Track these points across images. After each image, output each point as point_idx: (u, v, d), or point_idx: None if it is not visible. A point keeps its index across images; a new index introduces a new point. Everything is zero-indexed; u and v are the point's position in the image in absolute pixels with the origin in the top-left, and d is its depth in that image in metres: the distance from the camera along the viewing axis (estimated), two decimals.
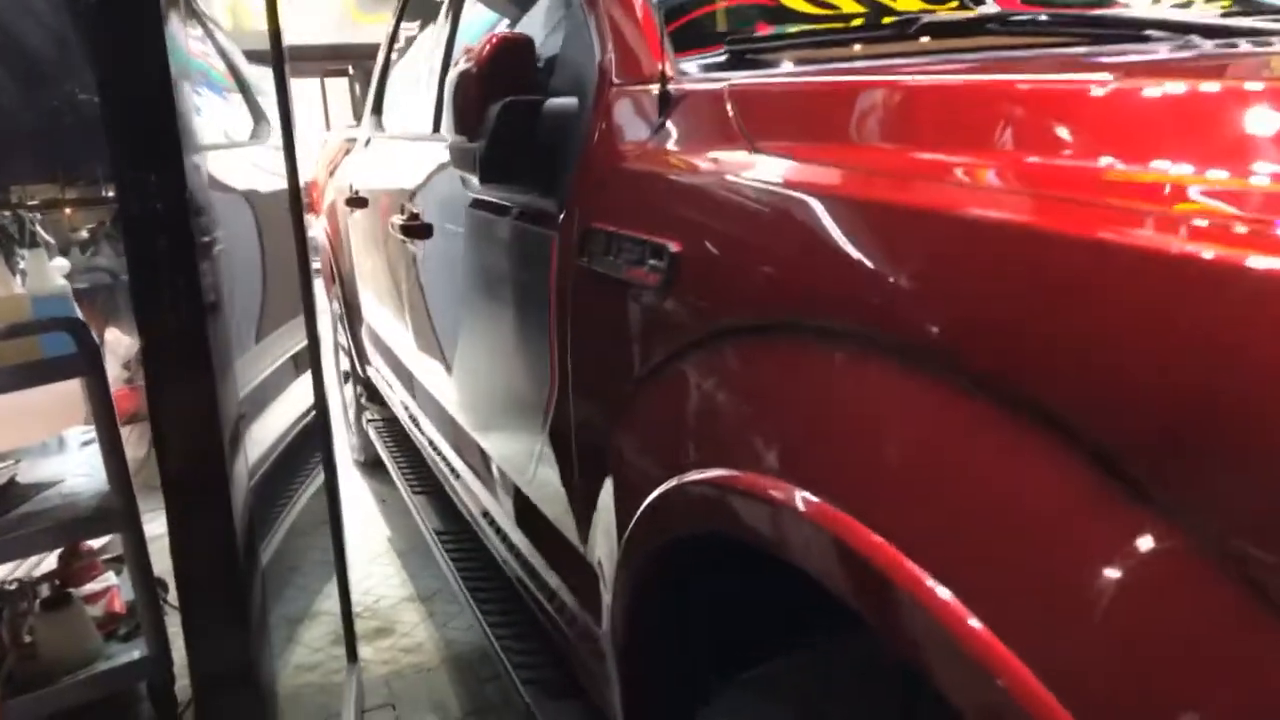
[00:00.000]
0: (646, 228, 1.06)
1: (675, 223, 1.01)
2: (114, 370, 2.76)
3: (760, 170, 0.90)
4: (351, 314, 3.53)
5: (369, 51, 9.67)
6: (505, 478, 1.75)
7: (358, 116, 11.33)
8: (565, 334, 1.29)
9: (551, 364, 1.34)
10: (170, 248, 1.44)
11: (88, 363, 1.73)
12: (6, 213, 2.13)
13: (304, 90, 11.55)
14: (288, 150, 1.97)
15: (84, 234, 2.82)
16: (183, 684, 1.88)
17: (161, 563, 1.88)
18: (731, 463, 0.86)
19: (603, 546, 1.21)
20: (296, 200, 2.09)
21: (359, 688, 2.26)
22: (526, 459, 1.54)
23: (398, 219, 2.11)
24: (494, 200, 1.59)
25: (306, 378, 2.21)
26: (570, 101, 1.33)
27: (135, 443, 2.50)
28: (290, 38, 1.92)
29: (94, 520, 1.80)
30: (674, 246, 0.98)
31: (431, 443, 2.42)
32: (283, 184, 1.97)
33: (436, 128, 2.19)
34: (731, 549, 0.87)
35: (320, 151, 4.21)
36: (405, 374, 2.60)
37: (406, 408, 2.70)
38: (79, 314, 2.12)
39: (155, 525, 1.80)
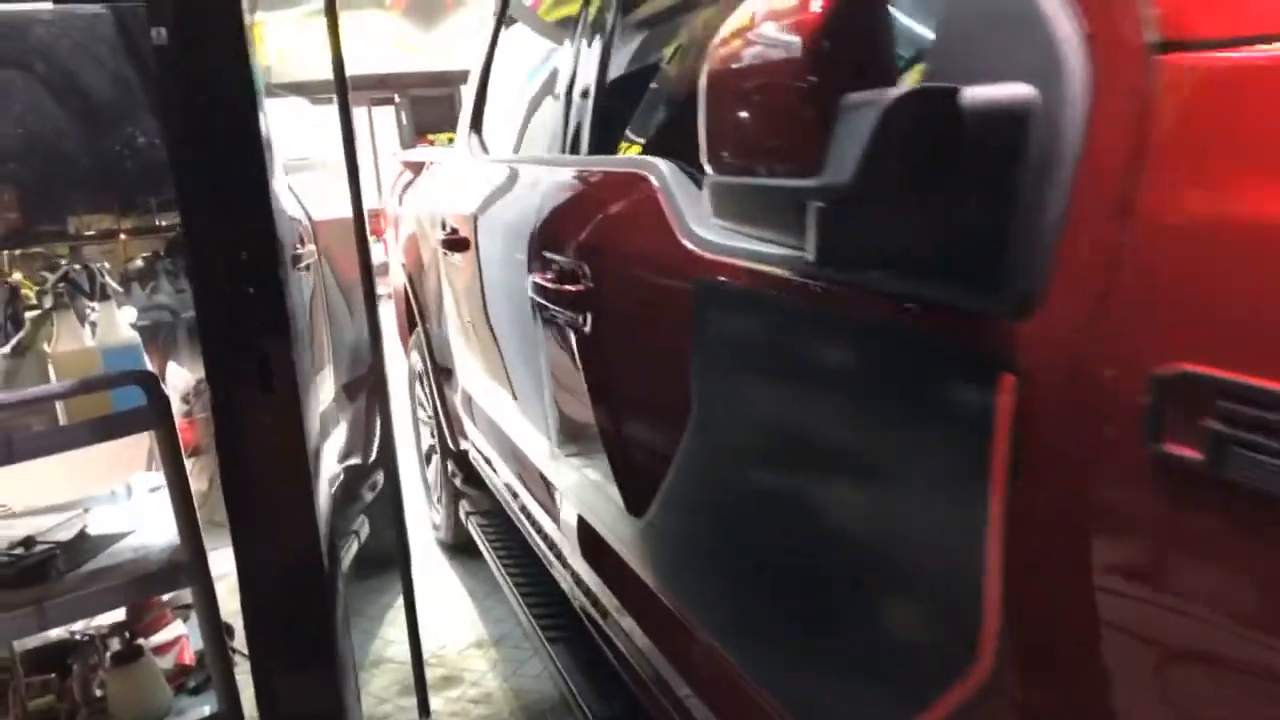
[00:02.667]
0: None
1: None
2: (174, 404, 2.76)
3: None
4: (439, 375, 3.01)
5: (414, 80, 9.73)
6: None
7: (404, 144, 11.47)
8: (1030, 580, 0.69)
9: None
10: (253, 276, 1.41)
11: (158, 415, 1.70)
12: (78, 266, 2.14)
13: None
14: (352, 179, 1.95)
15: (139, 262, 2.85)
16: None
17: (227, 604, 1.86)
18: None
19: None
20: (362, 230, 2.06)
21: None
22: None
23: (541, 279, 1.60)
24: (788, 277, 0.95)
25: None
26: (1010, 94, 0.69)
27: (196, 475, 2.49)
28: (364, 64, 1.90)
29: (165, 575, 1.77)
30: None
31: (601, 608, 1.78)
32: (341, 211, 1.97)
33: (573, 149, 1.80)
34: None
35: (389, 176, 3.87)
36: (538, 481, 2.05)
37: (548, 539, 2.09)
38: (149, 365, 2.11)
39: (217, 563, 1.78)
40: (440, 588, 3.03)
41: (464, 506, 2.92)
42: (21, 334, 2.00)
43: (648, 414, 1.42)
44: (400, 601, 2.30)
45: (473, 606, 2.88)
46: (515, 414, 2.14)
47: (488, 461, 2.57)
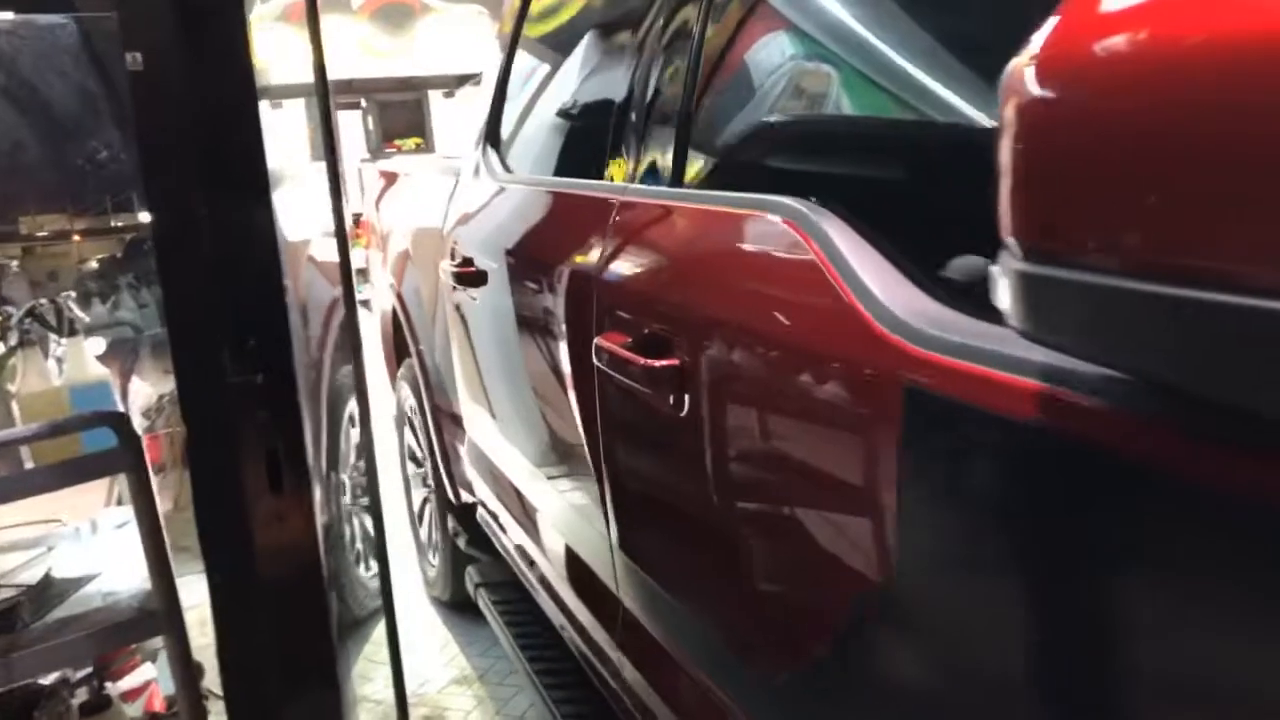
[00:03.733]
0: None
1: None
2: (136, 420, 2.67)
3: None
4: (439, 418, 2.61)
5: (382, 85, 9.59)
6: None
7: (370, 149, 11.32)
8: None
9: None
10: (262, 363, 1.37)
11: (130, 458, 1.61)
12: (45, 301, 2.03)
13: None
14: (333, 187, 1.86)
15: (94, 264, 2.75)
16: None
17: (195, 638, 1.77)
18: None
19: None
20: (344, 242, 1.95)
21: None
22: None
23: (612, 344, 1.27)
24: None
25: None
26: None
27: (161, 496, 2.40)
28: (306, 72, 1.82)
29: (137, 624, 1.68)
30: None
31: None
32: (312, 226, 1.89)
33: (647, 177, 1.45)
34: None
35: (367, 183, 3.53)
36: (588, 585, 1.68)
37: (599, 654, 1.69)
38: (120, 403, 2.02)
39: (185, 592, 1.70)
40: (421, 620, 2.89)
41: (471, 576, 2.52)
42: None
43: (789, 553, 1.03)
44: (377, 633, 2.21)
45: (454, 639, 2.75)
46: (554, 491, 1.78)
47: (502, 528, 2.21)
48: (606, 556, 1.54)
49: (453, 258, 2.13)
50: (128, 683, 2.05)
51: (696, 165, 1.34)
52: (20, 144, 2.70)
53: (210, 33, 1.33)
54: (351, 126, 11.83)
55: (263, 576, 1.51)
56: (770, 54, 1.26)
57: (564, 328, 1.55)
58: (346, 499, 2.67)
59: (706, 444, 1.14)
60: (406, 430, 3.09)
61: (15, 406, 1.79)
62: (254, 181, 1.40)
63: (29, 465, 1.79)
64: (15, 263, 2.71)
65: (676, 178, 1.35)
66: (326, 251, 2.45)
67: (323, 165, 1.80)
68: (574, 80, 1.94)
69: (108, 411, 1.66)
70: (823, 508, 0.95)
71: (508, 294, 1.83)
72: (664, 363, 1.17)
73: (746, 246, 1.12)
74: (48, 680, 1.98)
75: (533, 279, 1.71)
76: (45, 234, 2.78)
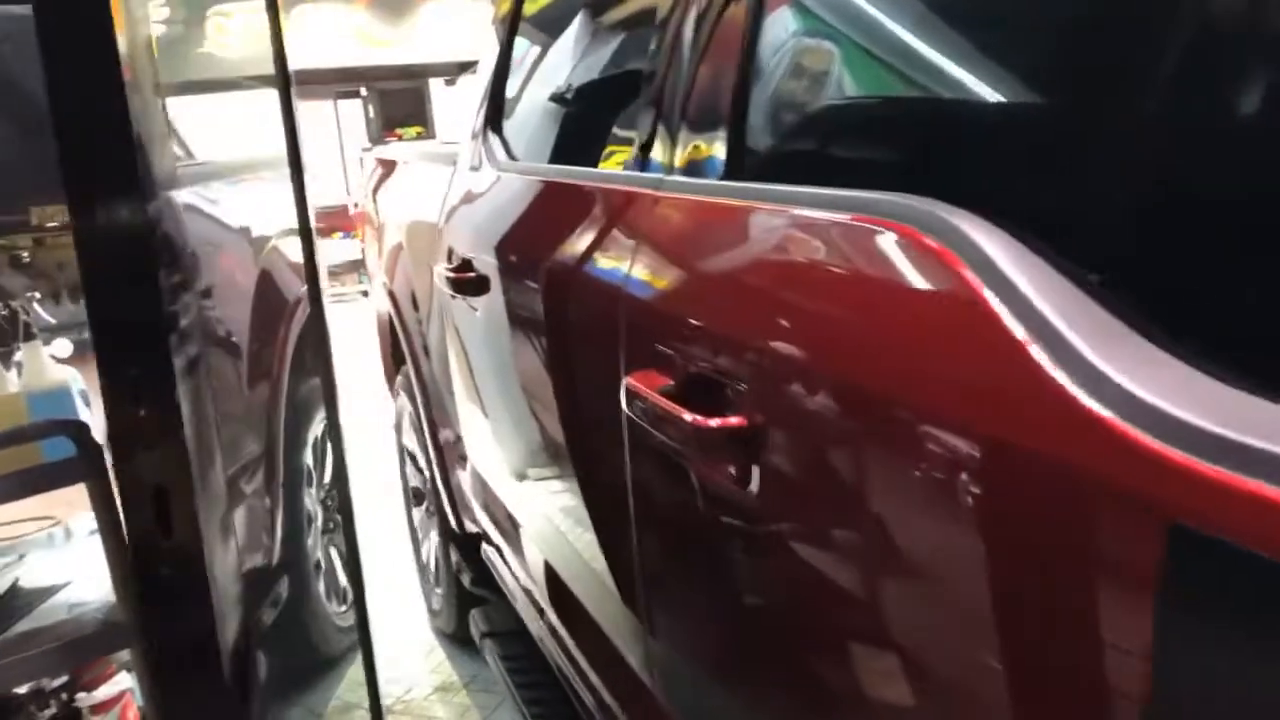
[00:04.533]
0: None
1: None
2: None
3: None
4: (438, 438, 2.34)
5: (382, 73, 9.52)
6: None
7: (371, 138, 11.22)
8: None
9: None
10: (131, 291, 1.22)
11: (90, 466, 1.56)
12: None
13: (318, 112, 11.44)
14: (296, 185, 1.76)
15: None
16: None
17: None
18: None
19: None
20: (309, 243, 1.85)
21: None
22: None
23: (645, 387, 0.97)
24: None
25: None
26: None
27: None
28: (302, 60, 1.78)
29: (102, 638, 1.63)
30: None
31: None
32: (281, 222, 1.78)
33: (690, 169, 1.11)
34: None
35: (366, 173, 3.26)
36: (618, 673, 1.35)
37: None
38: (81, 409, 1.96)
39: None
40: (406, 622, 2.79)
41: (477, 622, 2.20)
42: None
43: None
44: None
45: (439, 646, 2.65)
46: (573, 552, 1.48)
47: (511, 571, 1.91)
48: (639, 643, 1.24)
49: (449, 259, 1.83)
50: (103, 692, 2.00)
51: (760, 151, 1.02)
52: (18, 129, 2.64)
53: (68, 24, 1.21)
54: (352, 115, 11.76)
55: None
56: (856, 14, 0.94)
57: (582, 355, 1.25)
58: (316, 527, 2.43)
59: (790, 544, 0.82)
60: (407, 439, 2.82)
61: None
62: (123, 184, 1.23)
63: None
64: (26, 253, 2.66)
65: (734, 168, 1.01)
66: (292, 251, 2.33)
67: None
68: (593, 55, 1.64)
69: (65, 420, 1.60)
70: (983, 670, 0.62)
71: (512, 307, 1.54)
72: (723, 421, 0.84)
73: (848, 264, 0.79)
74: (23, 690, 1.94)
75: (542, 290, 1.40)
76: (55, 224, 2.73)
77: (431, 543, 2.68)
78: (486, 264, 1.65)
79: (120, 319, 1.28)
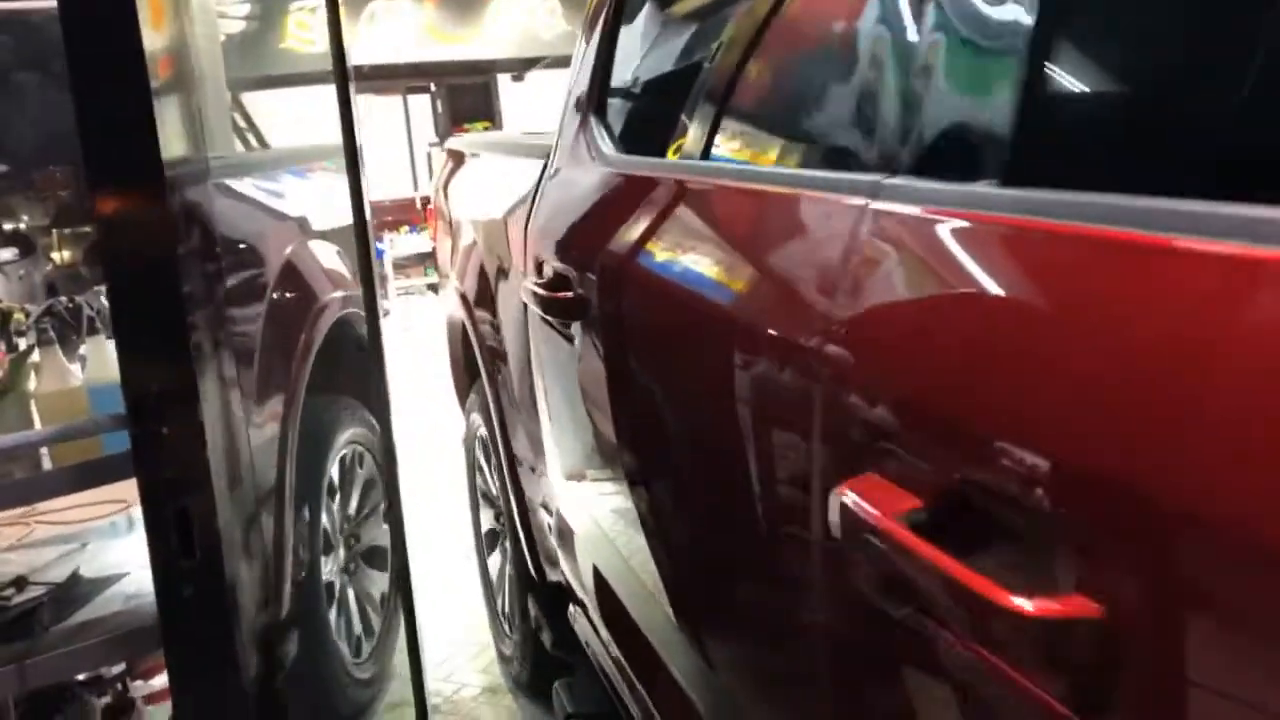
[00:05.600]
0: None
1: None
2: None
3: None
4: (516, 473, 2.03)
5: (450, 69, 9.54)
6: None
7: (439, 132, 11.28)
8: None
9: None
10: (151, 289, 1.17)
11: None
12: (64, 299, 2.00)
13: (389, 107, 11.56)
14: (353, 181, 1.73)
15: None
16: None
17: None
18: None
19: None
20: (365, 243, 1.81)
21: None
22: None
23: (876, 511, 0.60)
24: None
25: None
26: None
27: None
28: (373, 56, 1.77)
29: (155, 632, 1.63)
30: None
31: None
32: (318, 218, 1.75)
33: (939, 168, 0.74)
34: None
35: (436, 165, 3.03)
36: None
37: None
38: None
39: None
40: (461, 621, 2.72)
41: (561, 699, 1.81)
42: None
43: None
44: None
45: (492, 646, 2.54)
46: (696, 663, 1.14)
47: (611, 658, 1.54)
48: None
49: (538, 272, 1.52)
50: (159, 682, 2.02)
51: (1061, 143, 0.66)
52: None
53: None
54: (421, 111, 11.88)
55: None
56: None
57: (749, 435, 0.88)
58: (335, 566, 2.16)
59: None
60: (480, 460, 2.50)
61: (34, 407, 1.76)
62: (149, 179, 1.15)
63: (48, 466, 1.76)
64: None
65: (1017, 168, 0.65)
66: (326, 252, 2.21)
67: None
68: (745, 19, 1.22)
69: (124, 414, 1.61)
70: None
71: (626, 342, 1.21)
72: (1060, 609, 0.48)
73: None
74: (81, 677, 1.96)
75: (676, 332, 1.07)
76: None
77: (502, 577, 2.38)
78: (589, 283, 1.32)
79: (143, 333, 1.24)
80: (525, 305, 1.65)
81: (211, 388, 1.37)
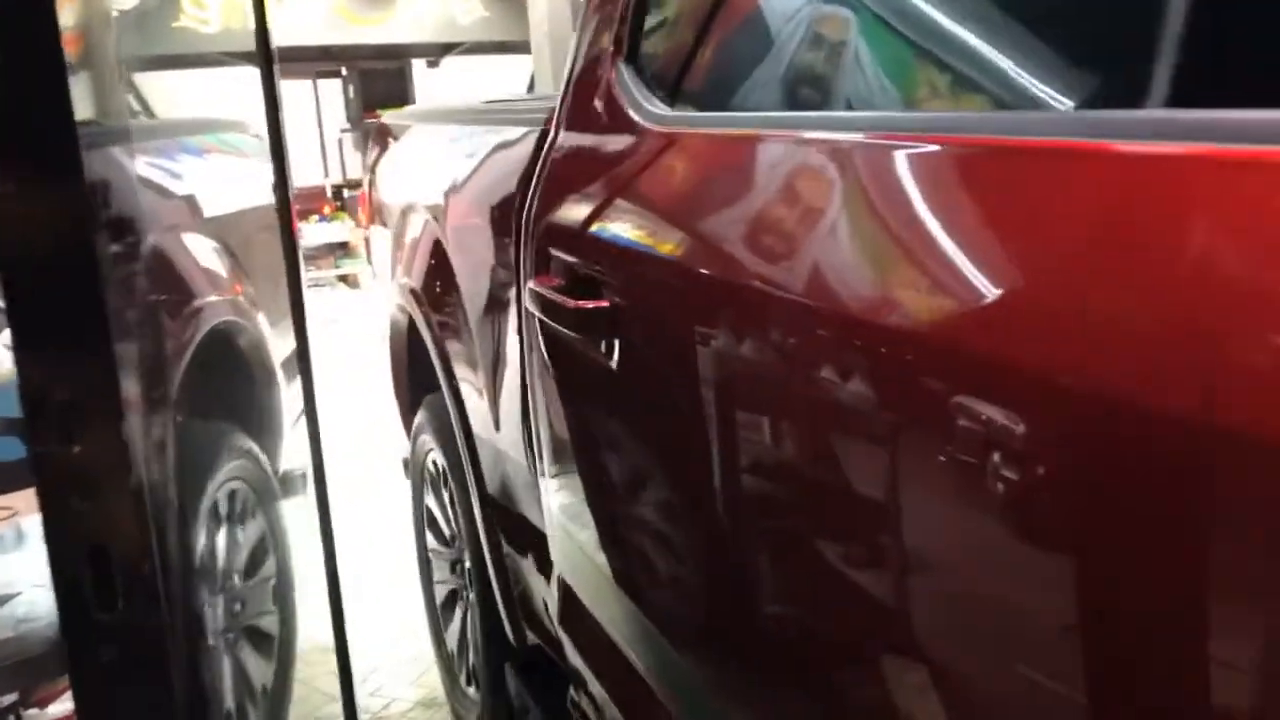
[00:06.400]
0: None
1: None
2: None
3: None
4: (494, 517, 1.67)
5: (363, 53, 9.24)
6: None
7: (350, 118, 10.92)
8: None
9: None
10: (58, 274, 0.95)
11: None
12: None
13: (298, 91, 11.14)
14: (276, 163, 1.60)
15: None
16: None
17: None
18: None
19: None
20: (289, 228, 1.66)
21: None
22: None
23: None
24: None
25: None
26: None
27: None
28: (281, 38, 1.63)
29: (50, 660, 1.42)
30: None
31: None
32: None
33: None
34: None
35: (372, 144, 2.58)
36: None
37: None
38: None
39: None
40: (388, 633, 2.50)
41: None
42: None
43: None
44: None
45: (427, 655, 2.30)
46: None
47: None
48: None
49: (544, 271, 1.19)
50: (56, 709, 1.80)
51: None
52: None
53: None
54: (331, 96, 11.47)
55: None
56: None
57: (886, 505, 0.61)
58: (214, 629, 1.78)
59: None
60: (428, 494, 2.11)
61: None
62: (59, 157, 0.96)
63: None
64: None
65: None
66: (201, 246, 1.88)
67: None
68: None
69: (15, 418, 1.39)
70: None
71: (699, 373, 0.87)
72: None
73: None
74: None
75: (788, 359, 0.75)
76: None
77: (465, 625, 1.99)
78: (634, 288, 1.00)
79: (47, 321, 1.01)
80: (520, 311, 1.30)
81: (134, 399, 1.15)
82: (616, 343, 1.02)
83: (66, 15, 1.05)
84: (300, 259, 1.70)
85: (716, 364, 0.86)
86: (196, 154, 2.16)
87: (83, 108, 1.06)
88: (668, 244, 0.98)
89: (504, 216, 1.41)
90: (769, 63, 0.98)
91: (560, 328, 1.11)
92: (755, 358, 0.80)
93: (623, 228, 1.05)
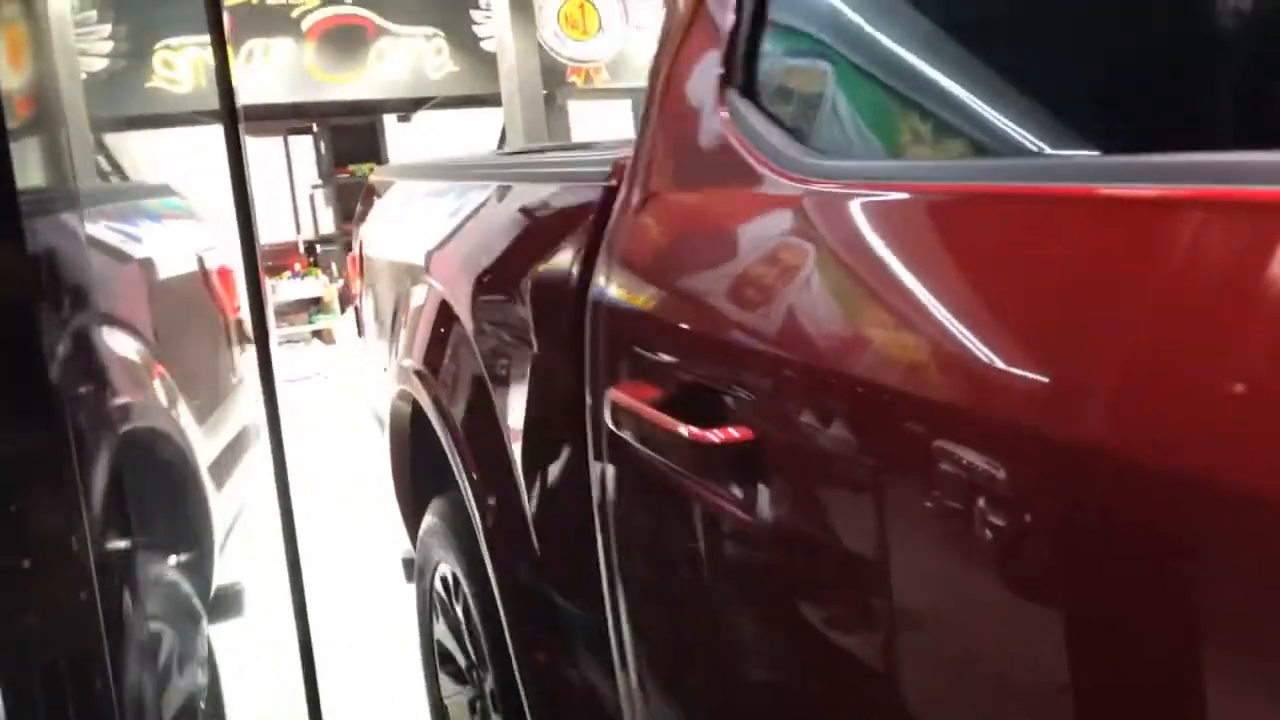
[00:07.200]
0: None
1: None
2: None
3: None
4: (537, 658, 1.28)
5: (333, 109, 9.04)
6: None
7: (322, 174, 10.68)
8: None
9: None
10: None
11: None
12: None
13: (269, 148, 10.92)
14: (242, 223, 1.55)
15: None
16: None
17: None
18: None
19: None
20: (256, 289, 1.57)
21: None
22: None
23: None
24: None
25: None
26: None
27: None
28: (252, 96, 1.36)
29: None
30: None
31: None
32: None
33: None
34: None
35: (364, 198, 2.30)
36: None
37: None
38: None
39: None
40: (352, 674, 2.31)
41: None
42: None
43: None
44: None
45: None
46: None
47: None
48: None
49: (628, 374, 0.91)
50: None
51: None
52: None
53: None
54: (302, 152, 11.25)
55: None
56: None
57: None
58: None
59: None
60: (438, 623, 1.76)
61: None
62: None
63: None
64: None
65: None
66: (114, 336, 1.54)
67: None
68: None
69: None
70: None
71: (876, 535, 0.60)
72: None
73: None
74: None
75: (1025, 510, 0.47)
76: None
77: None
78: (797, 413, 0.69)
79: None
80: (591, 422, 0.99)
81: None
82: (760, 490, 0.71)
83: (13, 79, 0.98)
84: (269, 321, 1.61)
85: (932, 534, 0.57)
86: (117, 221, 1.84)
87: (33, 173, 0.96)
88: (851, 351, 0.67)
89: (552, 301, 1.12)
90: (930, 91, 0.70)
91: (661, 457, 0.81)
92: (1002, 522, 0.50)
93: (771, 324, 0.74)
